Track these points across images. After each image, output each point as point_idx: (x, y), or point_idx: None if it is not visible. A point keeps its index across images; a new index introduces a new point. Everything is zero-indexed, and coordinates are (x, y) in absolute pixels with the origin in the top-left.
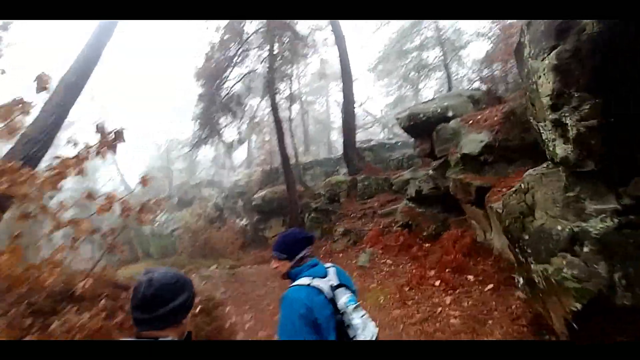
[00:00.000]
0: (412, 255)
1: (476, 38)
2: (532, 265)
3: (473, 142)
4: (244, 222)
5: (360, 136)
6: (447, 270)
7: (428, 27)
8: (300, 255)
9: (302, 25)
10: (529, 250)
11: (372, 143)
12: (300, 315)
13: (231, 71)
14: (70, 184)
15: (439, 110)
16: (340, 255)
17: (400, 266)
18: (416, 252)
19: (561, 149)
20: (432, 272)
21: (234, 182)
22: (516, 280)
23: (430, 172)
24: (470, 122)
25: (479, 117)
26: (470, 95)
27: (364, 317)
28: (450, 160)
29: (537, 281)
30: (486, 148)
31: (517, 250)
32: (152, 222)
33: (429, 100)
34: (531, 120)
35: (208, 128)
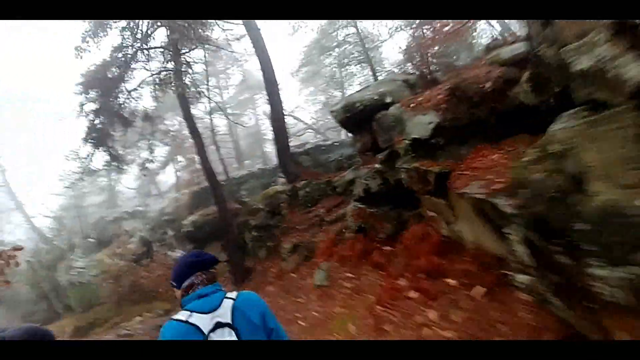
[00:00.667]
0: (373, 263)
1: (396, 31)
2: (596, 270)
3: (420, 125)
4: (176, 254)
5: (293, 143)
6: (419, 275)
7: (348, 25)
8: (187, 283)
9: (216, 33)
10: (588, 247)
11: (308, 147)
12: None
13: (128, 81)
14: None
15: (375, 97)
16: (294, 275)
17: (364, 278)
18: (377, 258)
19: (635, 70)
20: (404, 282)
21: (159, 210)
22: (512, 278)
23: (377, 166)
24: (412, 105)
25: (421, 98)
26: (405, 80)
27: None
28: (398, 150)
29: (605, 292)
30: (436, 130)
31: (558, 247)
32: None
33: (362, 89)
34: (544, 54)
35: (105, 150)
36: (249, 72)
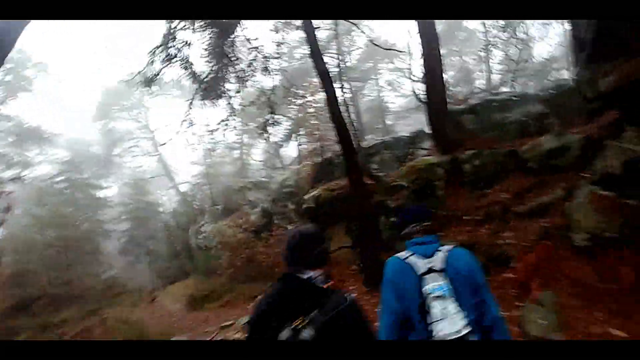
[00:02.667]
0: None
1: None
2: None
3: None
4: (295, 229)
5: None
6: None
7: None
8: (405, 231)
9: None
10: None
11: (473, 102)
12: (387, 281)
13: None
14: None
15: None
16: None
17: None
18: None
19: None
20: None
21: (280, 182)
22: None
23: None
24: None
25: None
26: None
27: (446, 309)
28: None
29: None
30: None
31: None
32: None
33: None
34: None
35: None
36: (377, 39)
